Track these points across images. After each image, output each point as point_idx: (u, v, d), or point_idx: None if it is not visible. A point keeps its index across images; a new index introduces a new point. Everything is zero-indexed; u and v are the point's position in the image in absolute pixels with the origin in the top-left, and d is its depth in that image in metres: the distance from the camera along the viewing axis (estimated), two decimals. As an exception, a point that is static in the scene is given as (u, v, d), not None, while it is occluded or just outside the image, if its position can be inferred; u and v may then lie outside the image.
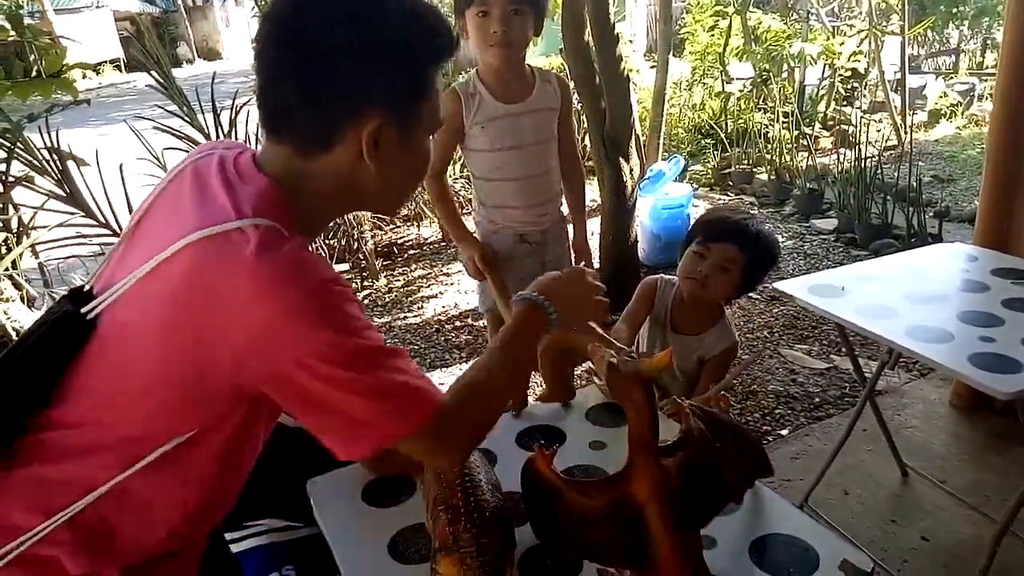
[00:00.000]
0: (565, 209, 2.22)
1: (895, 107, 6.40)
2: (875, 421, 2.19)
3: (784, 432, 2.62)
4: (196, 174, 0.91)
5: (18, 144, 2.48)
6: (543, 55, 7.04)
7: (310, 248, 0.89)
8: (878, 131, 6.59)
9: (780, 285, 1.86)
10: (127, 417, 0.85)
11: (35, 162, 2.49)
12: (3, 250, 2.40)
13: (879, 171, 4.59)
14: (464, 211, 3.70)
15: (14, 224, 2.51)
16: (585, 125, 3.51)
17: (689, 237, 1.76)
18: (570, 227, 2.24)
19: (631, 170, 3.39)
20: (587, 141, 4.08)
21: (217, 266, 0.79)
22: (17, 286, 2.48)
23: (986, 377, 1.36)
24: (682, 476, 0.90)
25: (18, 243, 2.48)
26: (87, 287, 0.94)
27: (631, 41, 8.65)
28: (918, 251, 2.12)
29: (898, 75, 6.71)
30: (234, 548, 1.37)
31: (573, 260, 2.20)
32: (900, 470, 2.29)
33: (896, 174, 4.64)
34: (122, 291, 0.86)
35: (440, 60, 0.92)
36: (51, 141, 2.55)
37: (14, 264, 2.43)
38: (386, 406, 0.84)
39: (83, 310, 0.87)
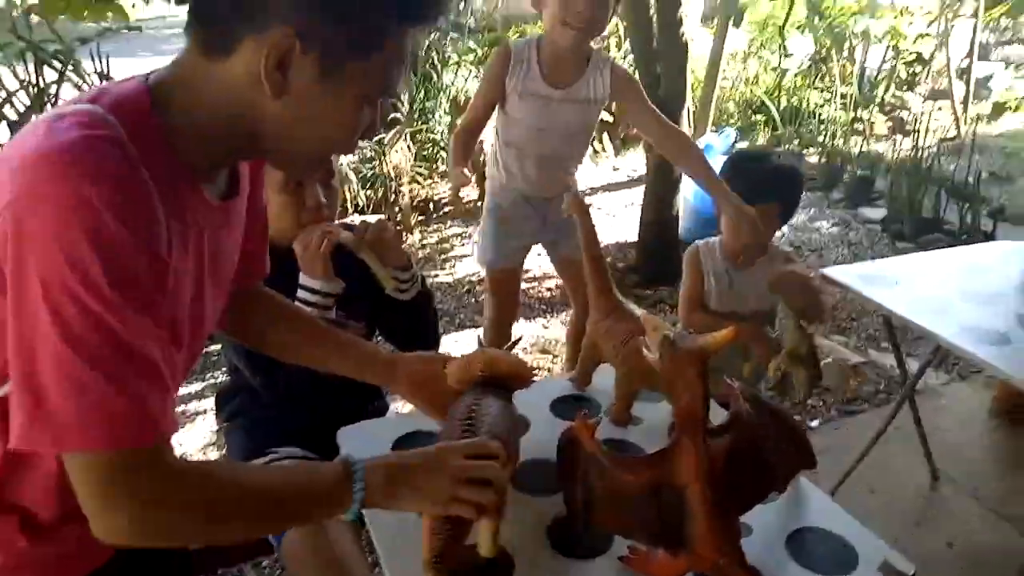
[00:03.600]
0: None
1: (958, 96, 6.14)
2: (908, 420, 2.14)
3: (814, 424, 2.57)
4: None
5: (69, 66, 2.47)
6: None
7: (174, 179, 0.72)
8: (937, 120, 6.34)
9: (829, 271, 1.81)
10: None
11: (85, 86, 2.49)
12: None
13: (935, 163, 4.42)
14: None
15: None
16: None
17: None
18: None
19: (682, 140, 3.30)
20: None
21: (11, 151, 0.66)
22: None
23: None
24: (727, 460, 0.87)
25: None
26: None
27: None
28: (975, 247, 2.04)
29: (965, 62, 6.42)
30: None
31: (724, 226, 1.87)
32: (931, 473, 2.24)
33: (952, 167, 4.46)
34: None
35: (409, 22, 0.75)
36: (101, 66, 2.55)
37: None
38: (80, 404, 0.63)
39: None
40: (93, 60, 2.56)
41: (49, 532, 0.80)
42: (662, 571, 0.91)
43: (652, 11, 3.02)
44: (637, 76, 3.34)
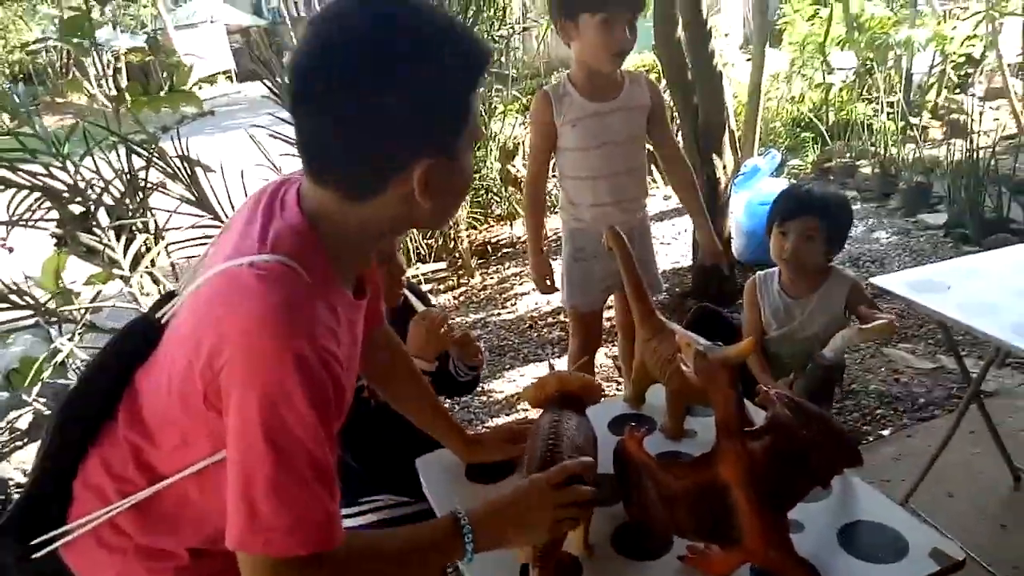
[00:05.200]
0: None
1: (1016, 93, 5.99)
2: (984, 423, 2.12)
3: (885, 432, 2.56)
4: (258, 199, 0.93)
5: (154, 154, 2.75)
6: (635, 51, 7.01)
7: (332, 296, 0.87)
8: (996, 119, 6.18)
9: (877, 280, 1.84)
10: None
11: (168, 169, 2.75)
12: (143, 250, 2.67)
13: (992, 162, 4.33)
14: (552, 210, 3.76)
15: (151, 226, 2.78)
16: (678, 122, 3.51)
17: (769, 223, 1.89)
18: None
19: (724, 166, 3.37)
20: (679, 137, 4.08)
21: (223, 304, 0.81)
22: (155, 281, 2.75)
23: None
24: (768, 460, 0.95)
25: (156, 243, 2.75)
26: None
27: (726, 35, 8.47)
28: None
29: (1019, 58, 6.27)
30: (349, 523, 1.51)
31: (704, 259, 2.33)
32: (1012, 474, 2.20)
33: (1014, 164, 4.36)
34: (180, 302, 0.92)
35: (480, 78, 0.86)
36: (182, 150, 2.81)
37: (152, 263, 2.70)
38: (287, 514, 0.78)
39: (158, 315, 0.97)
40: (173, 143, 2.82)
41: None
42: (718, 567, 0.98)
43: (684, 46, 3.12)
44: (676, 109, 3.46)
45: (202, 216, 2.80)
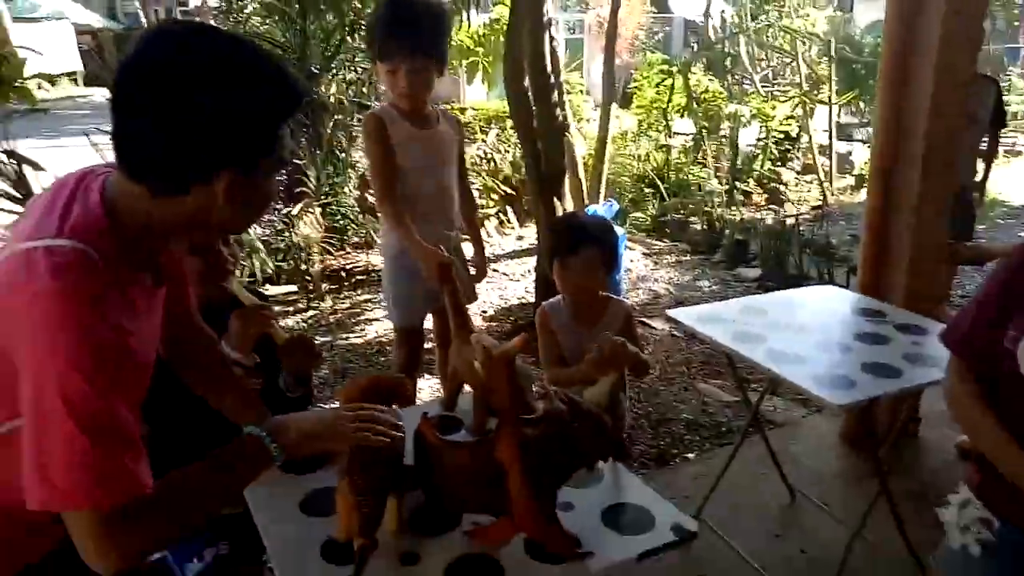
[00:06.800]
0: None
1: (823, 170, 6.88)
2: (775, 449, 2.42)
3: (691, 455, 2.85)
4: (60, 187, 0.98)
5: (-24, 146, 2.59)
6: (497, 98, 7.36)
7: (125, 281, 0.94)
8: (808, 191, 7.05)
9: (672, 312, 2.10)
10: None
11: (-8, 164, 2.61)
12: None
13: (799, 227, 4.98)
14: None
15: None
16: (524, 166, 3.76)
17: (549, 260, 1.91)
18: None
19: (565, 210, 3.64)
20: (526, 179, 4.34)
21: (19, 282, 0.86)
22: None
23: (824, 392, 1.60)
24: (539, 444, 1.10)
25: (-31, 239, 2.57)
26: None
27: (588, 92, 9.09)
28: (800, 290, 2.39)
29: (826, 141, 7.24)
30: None
31: (473, 271, 2.53)
32: (789, 492, 2.52)
33: (820, 232, 5.04)
34: None
35: (290, 114, 0.98)
36: (7, 144, 2.67)
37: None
38: (86, 472, 0.84)
39: None
40: (0, 140, 2.68)
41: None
42: (495, 536, 1.11)
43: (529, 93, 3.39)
44: (523, 155, 3.71)
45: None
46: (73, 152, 3.42)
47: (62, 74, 16.30)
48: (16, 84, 3.02)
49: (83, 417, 0.83)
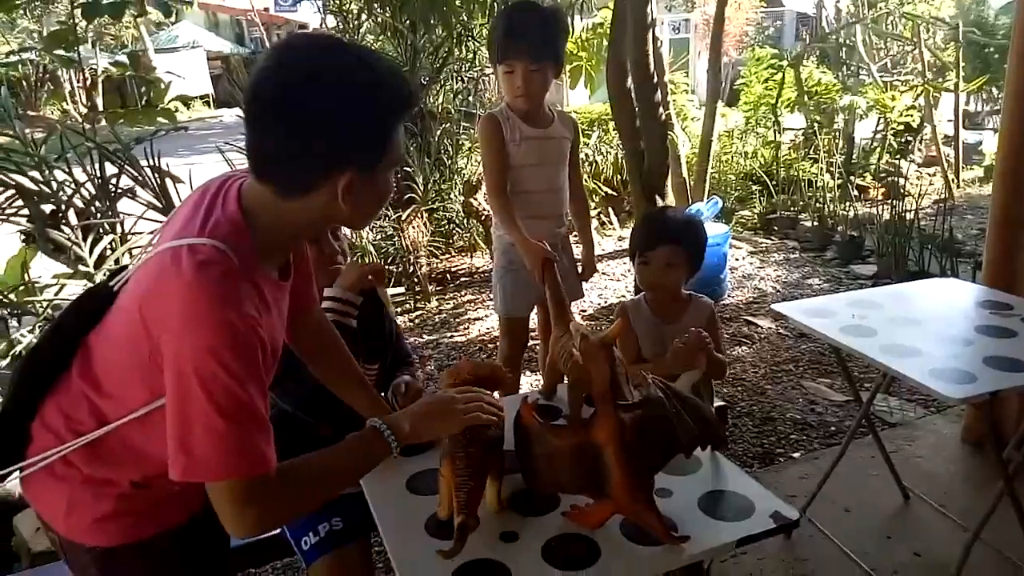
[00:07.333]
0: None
1: (948, 161, 6.45)
2: (888, 449, 2.32)
3: (796, 455, 2.77)
4: (204, 192, 1.09)
5: (126, 162, 2.90)
6: (598, 101, 7.37)
7: (257, 276, 1.03)
8: (931, 184, 6.63)
9: (777, 306, 2.06)
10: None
11: (139, 177, 2.91)
12: (108, 250, 2.80)
13: (919, 221, 4.69)
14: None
15: (118, 229, 2.91)
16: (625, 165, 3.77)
17: (631, 254, 1.89)
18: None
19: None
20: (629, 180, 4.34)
21: (166, 276, 0.97)
22: (117, 283, 2.88)
23: (939, 386, 1.53)
24: (636, 428, 1.13)
25: (121, 244, 2.88)
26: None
27: (693, 91, 8.92)
28: (918, 283, 2.28)
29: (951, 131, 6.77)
30: None
31: (581, 270, 2.56)
32: (901, 493, 2.41)
33: (940, 224, 4.73)
34: (131, 273, 1.09)
35: (403, 114, 1.06)
36: (153, 161, 2.97)
37: (117, 262, 2.84)
38: (221, 448, 0.94)
39: (111, 283, 1.15)
40: (147, 156, 2.98)
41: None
42: (591, 518, 1.16)
43: (633, 95, 3.40)
44: (625, 154, 3.72)
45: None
46: (207, 167, 3.74)
47: (196, 97, 17.69)
48: (160, 107, 3.35)
49: (219, 398, 0.93)
